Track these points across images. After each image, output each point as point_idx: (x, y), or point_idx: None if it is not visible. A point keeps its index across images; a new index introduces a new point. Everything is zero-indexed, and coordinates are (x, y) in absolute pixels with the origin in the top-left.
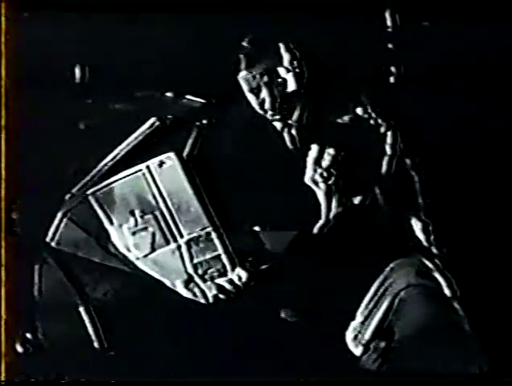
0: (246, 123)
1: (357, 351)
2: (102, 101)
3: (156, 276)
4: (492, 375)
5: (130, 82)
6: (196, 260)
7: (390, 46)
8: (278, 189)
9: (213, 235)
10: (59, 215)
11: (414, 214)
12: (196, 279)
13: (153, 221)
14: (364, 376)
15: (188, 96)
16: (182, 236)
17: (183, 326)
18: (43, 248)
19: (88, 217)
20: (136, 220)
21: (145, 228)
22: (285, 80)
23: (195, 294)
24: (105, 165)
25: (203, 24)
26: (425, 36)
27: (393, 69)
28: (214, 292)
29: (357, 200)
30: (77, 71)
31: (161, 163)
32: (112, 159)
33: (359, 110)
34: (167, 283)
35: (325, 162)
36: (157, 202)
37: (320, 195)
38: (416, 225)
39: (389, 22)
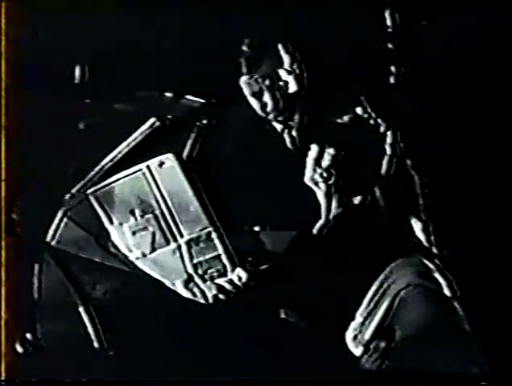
0: (246, 123)
1: (357, 351)
2: (102, 101)
3: (156, 276)
4: (492, 376)
5: (129, 82)
6: (196, 260)
7: (390, 46)
8: (278, 189)
9: (213, 235)
10: (60, 214)
11: (415, 214)
12: (196, 279)
13: (153, 221)
14: (364, 376)
15: (188, 96)
16: (182, 236)
17: (182, 326)
18: (43, 247)
19: (88, 216)
20: (136, 220)
21: (145, 228)
22: (286, 83)
23: (194, 294)
24: (105, 165)
25: (203, 24)
26: (425, 36)
27: (393, 69)
28: (214, 292)
29: (356, 200)
30: (77, 71)
31: (161, 163)
32: (112, 159)
33: (359, 110)
34: (167, 283)
35: (325, 162)
36: (157, 202)
37: (320, 195)
38: (416, 225)
39: (389, 22)
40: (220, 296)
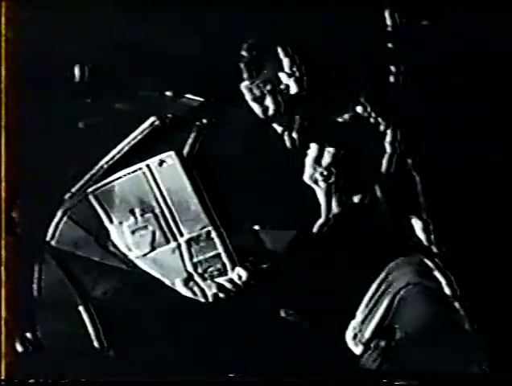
0: (246, 122)
1: (357, 350)
2: (102, 101)
3: (156, 275)
4: (492, 375)
5: (129, 81)
6: (195, 259)
7: (389, 45)
8: (279, 188)
9: (213, 234)
10: (59, 213)
11: (415, 213)
12: (196, 278)
13: (153, 220)
14: (364, 376)
15: (188, 95)
16: (182, 235)
17: (182, 325)
18: (43, 247)
19: (88, 216)
20: (136, 219)
21: (145, 227)
22: (287, 86)
23: (194, 293)
24: (105, 164)
25: (203, 24)
26: (425, 36)
27: (393, 69)
28: (214, 291)
29: (356, 199)
30: (77, 70)
31: (161, 162)
32: (112, 158)
33: (359, 109)
34: (167, 282)
35: (325, 161)
36: (157, 201)
37: (320, 194)
38: (417, 224)
39: (389, 22)
40: (220, 295)
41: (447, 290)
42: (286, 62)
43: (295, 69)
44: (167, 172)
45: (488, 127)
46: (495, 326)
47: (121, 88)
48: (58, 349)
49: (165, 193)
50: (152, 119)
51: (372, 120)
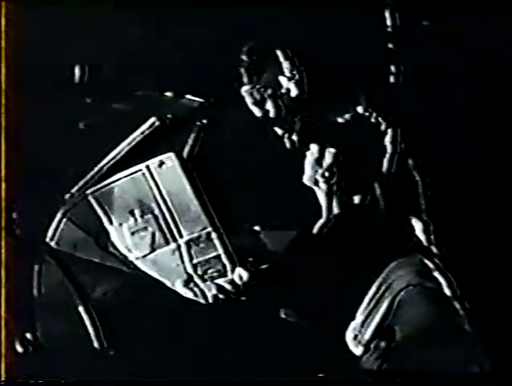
0: (246, 122)
1: (358, 351)
2: (102, 101)
3: (156, 276)
4: (492, 375)
5: (129, 81)
6: (195, 261)
7: (390, 46)
8: (278, 189)
9: (213, 235)
10: (59, 215)
11: (415, 214)
12: (196, 279)
13: (153, 221)
14: (364, 376)
15: (188, 96)
16: (182, 236)
17: (182, 326)
18: (42, 248)
19: (87, 217)
20: (136, 220)
21: (145, 228)
22: (288, 90)
23: (195, 294)
24: (105, 165)
25: (203, 24)
26: (425, 36)
27: (393, 69)
28: (214, 292)
29: (357, 199)
30: (77, 71)
31: (161, 163)
32: (112, 159)
33: (359, 110)
34: (167, 283)
35: (325, 162)
36: (157, 202)
37: (320, 195)
38: (417, 225)
39: (389, 22)
40: (220, 296)
41: (447, 291)
42: (286, 65)
43: (295, 72)
44: (166, 173)
45: (488, 128)
46: (495, 326)
47: (121, 89)
48: (58, 349)
49: (165, 194)
50: (152, 120)
51: (372, 120)
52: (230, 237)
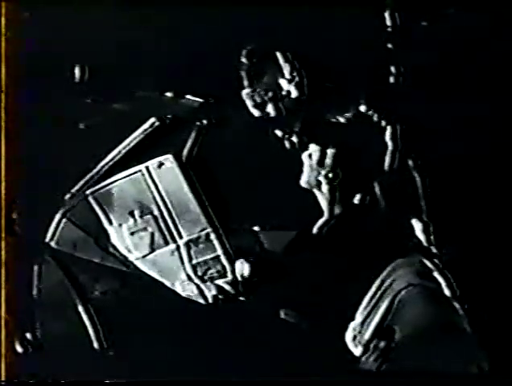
0: (246, 123)
1: (357, 351)
2: (102, 101)
3: (155, 276)
4: (491, 375)
5: (129, 82)
6: (195, 261)
7: (389, 46)
8: (278, 189)
9: (212, 236)
10: (59, 215)
11: (415, 214)
12: (195, 280)
13: (152, 222)
14: (364, 376)
15: (188, 96)
16: (181, 237)
17: (182, 326)
18: (42, 248)
19: (87, 217)
20: (135, 221)
21: (144, 229)
22: (288, 92)
23: (194, 295)
24: (105, 165)
25: (203, 24)
26: (425, 36)
27: (393, 69)
28: (213, 292)
29: (357, 199)
30: (77, 70)
31: (160, 164)
32: (111, 159)
33: (359, 110)
34: (167, 283)
35: (328, 163)
36: (156, 203)
37: (321, 196)
38: (417, 225)
39: (388, 22)
40: (220, 296)
41: (446, 291)
42: (286, 67)
43: (295, 74)
44: (165, 174)
45: (488, 128)
46: (495, 326)
47: (121, 89)
48: (58, 349)
49: (164, 195)
50: (152, 120)
51: (372, 120)
52: (229, 238)
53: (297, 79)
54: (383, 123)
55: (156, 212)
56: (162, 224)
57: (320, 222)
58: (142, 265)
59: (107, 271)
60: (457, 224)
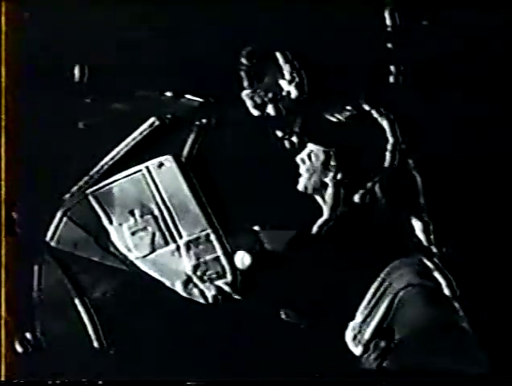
0: (246, 122)
1: (357, 350)
2: (102, 101)
3: (156, 276)
4: (491, 375)
5: (129, 81)
6: (195, 262)
7: (389, 46)
8: (278, 189)
9: (212, 237)
10: (59, 214)
11: (415, 213)
12: (195, 280)
13: (152, 222)
14: (364, 376)
15: (188, 96)
16: (181, 237)
17: (182, 326)
18: (43, 247)
19: (87, 216)
20: (136, 220)
21: (144, 228)
22: (288, 93)
23: (194, 294)
24: (105, 164)
25: (203, 24)
26: (425, 36)
27: (393, 69)
28: (213, 293)
29: (356, 199)
30: (77, 70)
31: (160, 164)
32: (111, 158)
33: (359, 110)
34: (167, 283)
35: (324, 162)
36: (156, 203)
37: (319, 196)
38: (417, 225)
39: (388, 22)
40: (220, 297)
41: (446, 291)
42: (285, 68)
43: (295, 75)
44: (166, 174)
45: (488, 128)
46: (495, 326)
47: (121, 88)
48: (58, 349)
49: (164, 195)
50: (152, 119)
51: (372, 120)
52: (230, 238)
53: (297, 79)
54: (383, 122)
55: (156, 212)
56: (162, 224)
57: (320, 221)
58: (142, 265)
59: (107, 271)
60: (457, 224)
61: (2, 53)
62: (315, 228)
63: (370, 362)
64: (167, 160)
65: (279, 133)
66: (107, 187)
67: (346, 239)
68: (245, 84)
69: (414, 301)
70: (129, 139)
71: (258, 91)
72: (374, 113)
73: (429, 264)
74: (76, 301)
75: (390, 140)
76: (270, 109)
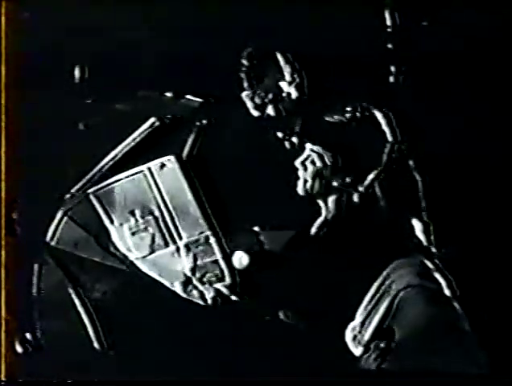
0: (246, 123)
1: (357, 351)
2: (102, 101)
3: (155, 277)
4: (491, 376)
5: (129, 82)
6: (194, 264)
7: (389, 46)
8: (278, 189)
9: (212, 239)
10: (59, 214)
11: (415, 214)
12: (195, 281)
13: (153, 222)
14: (364, 376)
15: (188, 96)
16: (181, 239)
17: (182, 326)
18: (43, 247)
19: (88, 216)
20: (136, 221)
21: (145, 229)
22: (288, 94)
23: (194, 296)
24: (105, 164)
25: (203, 24)
26: (425, 36)
27: (393, 69)
28: (212, 295)
29: (356, 199)
30: (77, 70)
31: (162, 165)
32: (112, 159)
33: (359, 110)
34: (166, 284)
35: (324, 163)
36: (157, 203)
37: (328, 198)
38: (417, 225)
39: (388, 22)
40: (219, 299)
41: (447, 291)
42: (286, 69)
43: (295, 75)
44: (167, 175)
45: (488, 128)
46: (495, 326)
47: (121, 89)
48: (58, 349)
49: (165, 196)
50: (152, 120)
51: (372, 120)
52: (229, 239)
53: (297, 80)
54: (383, 123)
55: (157, 213)
56: (162, 225)
57: (319, 222)
58: (142, 265)
59: (107, 271)
60: (457, 224)
61: (2, 53)
62: (314, 229)
63: (370, 362)
64: (170, 161)
65: (279, 134)
66: (108, 187)
67: (346, 239)
68: (246, 84)
69: (414, 302)
70: (129, 139)
71: (259, 92)
72: (374, 114)
73: (429, 264)
74: (76, 301)
75: (390, 140)
76: (270, 110)
